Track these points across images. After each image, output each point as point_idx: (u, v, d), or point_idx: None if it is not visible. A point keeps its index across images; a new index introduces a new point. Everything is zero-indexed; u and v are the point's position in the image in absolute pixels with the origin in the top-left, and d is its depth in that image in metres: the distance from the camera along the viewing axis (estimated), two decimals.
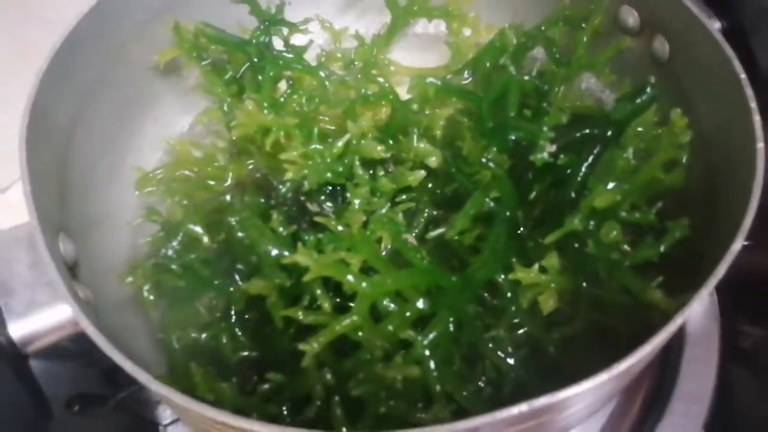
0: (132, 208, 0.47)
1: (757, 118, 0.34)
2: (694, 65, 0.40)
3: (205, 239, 0.38)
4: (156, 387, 0.28)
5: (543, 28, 0.45)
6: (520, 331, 0.38)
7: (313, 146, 0.41)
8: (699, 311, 0.48)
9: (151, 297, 0.38)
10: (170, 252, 0.38)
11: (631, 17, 0.44)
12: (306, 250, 0.34)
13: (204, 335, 0.39)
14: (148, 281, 0.38)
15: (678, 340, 0.47)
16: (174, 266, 0.38)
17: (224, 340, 0.39)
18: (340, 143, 0.41)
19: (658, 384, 0.47)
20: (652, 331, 0.30)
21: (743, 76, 0.35)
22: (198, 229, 0.38)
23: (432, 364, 0.33)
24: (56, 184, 0.39)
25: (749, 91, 0.35)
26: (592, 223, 0.36)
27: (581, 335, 0.37)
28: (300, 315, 0.34)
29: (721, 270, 0.29)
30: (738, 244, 0.30)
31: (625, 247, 0.37)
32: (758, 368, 0.47)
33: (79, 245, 0.38)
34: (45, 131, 0.38)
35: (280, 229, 0.39)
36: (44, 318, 0.33)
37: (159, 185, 0.45)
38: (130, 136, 0.48)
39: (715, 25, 0.41)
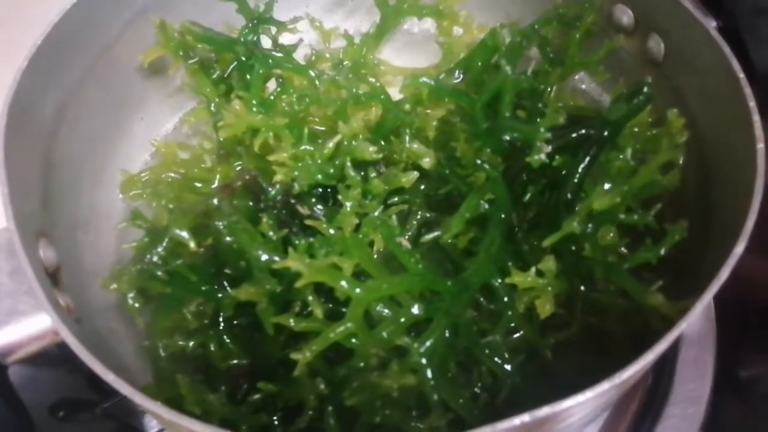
0: (117, 212, 0.45)
1: (756, 118, 0.33)
2: (689, 65, 0.40)
3: (192, 244, 0.37)
4: (140, 400, 0.27)
5: (537, 27, 0.44)
6: (516, 336, 0.37)
7: (303, 147, 0.40)
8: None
9: (137, 304, 0.37)
10: (156, 258, 0.37)
11: (625, 16, 0.44)
12: (298, 254, 0.33)
13: (191, 343, 0.38)
14: (133, 288, 0.37)
15: (674, 342, 0.47)
16: (160, 273, 0.37)
17: (212, 348, 0.37)
18: (330, 144, 0.40)
19: (654, 386, 0.46)
20: (650, 335, 0.30)
21: (742, 75, 0.34)
22: (184, 233, 0.37)
23: (429, 372, 0.32)
24: (37, 188, 0.37)
25: (748, 90, 0.34)
26: (590, 225, 0.35)
27: (578, 340, 0.37)
28: (291, 322, 0.33)
29: (724, 273, 0.29)
30: (741, 246, 0.29)
31: (622, 249, 0.36)
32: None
33: (62, 250, 0.37)
34: (25, 132, 0.37)
35: (270, 233, 0.38)
36: (25, 327, 0.32)
37: (144, 188, 0.44)
38: (115, 137, 0.47)
39: (711, 24, 0.40)
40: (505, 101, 0.40)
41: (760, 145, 0.33)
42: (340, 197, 0.38)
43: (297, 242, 0.36)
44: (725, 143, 0.37)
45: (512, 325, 0.36)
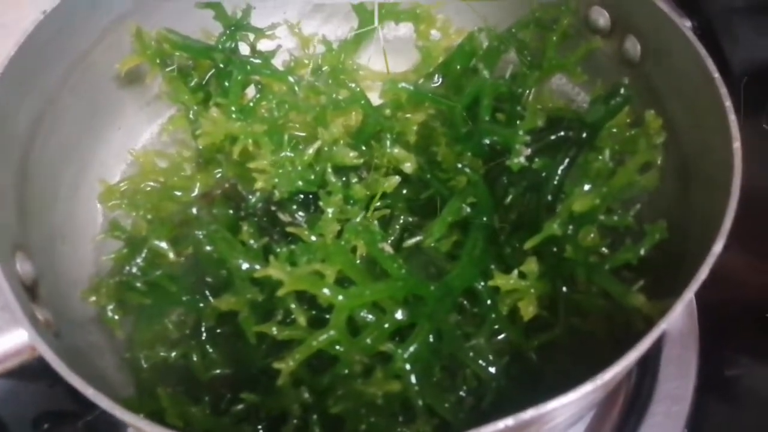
0: (95, 223, 0.45)
1: (732, 117, 0.33)
2: (666, 65, 0.40)
3: (171, 254, 0.37)
4: (121, 414, 0.26)
5: (514, 30, 0.44)
6: (500, 337, 0.37)
7: (283, 154, 0.40)
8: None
9: (116, 317, 0.36)
10: (135, 269, 0.37)
11: (601, 18, 0.44)
12: (279, 262, 0.33)
13: (173, 353, 0.37)
14: (112, 300, 0.37)
15: (656, 341, 0.47)
16: (139, 284, 0.36)
17: (195, 358, 0.37)
18: (311, 150, 0.39)
19: (637, 385, 0.46)
20: (633, 335, 0.30)
21: (717, 75, 0.35)
22: (163, 244, 0.37)
23: (413, 378, 0.32)
24: (13, 199, 0.37)
25: (723, 90, 0.34)
26: (570, 227, 0.35)
27: (561, 341, 0.37)
28: (274, 331, 0.33)
29: (703, 272, 0.29)
30: (719, 245, 0.30)
31: (603, 250, 0.37)
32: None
33: (39, 263, 0.36)
34: (0, 143, 0.36)
35: (251, 241, 0.37)
36: (1, 343, 0.31)
37: (122, 198, 0.43)
38: (92, 146, 0.46)
39: (686, 24, 0.41)
40: (484, 105, 0.40)
41: (737, 144, 0.33)
42: (321, 204, 0.38)
43: (278, 250, 0.36)
44: (702, 143, 0.37)
45: (496, 327, 0.36)
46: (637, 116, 0.39)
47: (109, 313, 0.36)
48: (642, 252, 0.34)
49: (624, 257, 0.35)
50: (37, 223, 0.39)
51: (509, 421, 0.25)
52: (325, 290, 0.33)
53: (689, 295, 0.29)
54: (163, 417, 0.33)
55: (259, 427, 0.35)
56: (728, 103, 0.34)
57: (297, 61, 0.48)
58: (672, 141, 0.38)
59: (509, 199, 0.40)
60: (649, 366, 0.46)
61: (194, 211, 0.39)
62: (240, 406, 0.34)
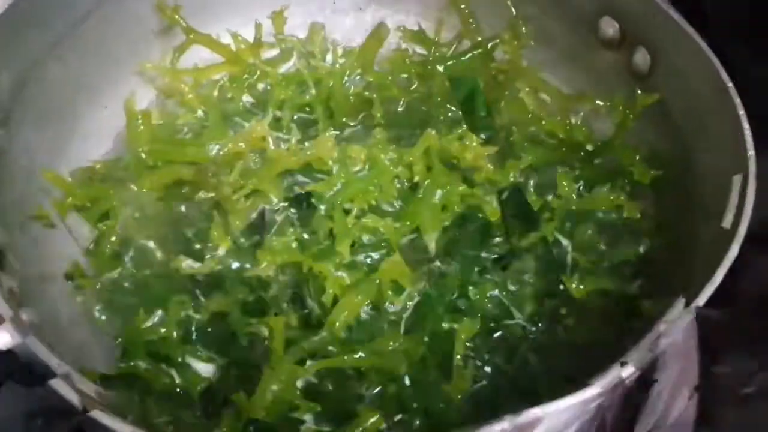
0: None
1: (746, 126, 0.32)
2: (676, 76, 0.38)
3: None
4: (108, 421, 0.25)
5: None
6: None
7: None
8: None
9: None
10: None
11: (611, 29, 0.42)
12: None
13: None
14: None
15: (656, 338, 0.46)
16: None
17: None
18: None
19: (637, 385, 0.46)
20: (633, 334, 0.29)
21: (730, 84, 0.33)
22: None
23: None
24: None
25: (737, 100, 0.33)
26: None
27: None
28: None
29: (718, 277, 0.28)
30: (734, 251, 0.29)
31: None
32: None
33: (28, 260, 0.35)
34: None
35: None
36: None
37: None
38: (75, 124, 0.42)
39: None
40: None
41: (751, 152, 0.32)
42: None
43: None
44: (713, 153, 0.36)
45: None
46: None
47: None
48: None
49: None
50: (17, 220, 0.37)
51: (505, 424, 0.25)
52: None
53: (702, 300, 0.28)
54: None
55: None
56: (742, 112, 0.33)
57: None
58: (680, 151, 0.37)
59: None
60: (648, 366, 0.46)
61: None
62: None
